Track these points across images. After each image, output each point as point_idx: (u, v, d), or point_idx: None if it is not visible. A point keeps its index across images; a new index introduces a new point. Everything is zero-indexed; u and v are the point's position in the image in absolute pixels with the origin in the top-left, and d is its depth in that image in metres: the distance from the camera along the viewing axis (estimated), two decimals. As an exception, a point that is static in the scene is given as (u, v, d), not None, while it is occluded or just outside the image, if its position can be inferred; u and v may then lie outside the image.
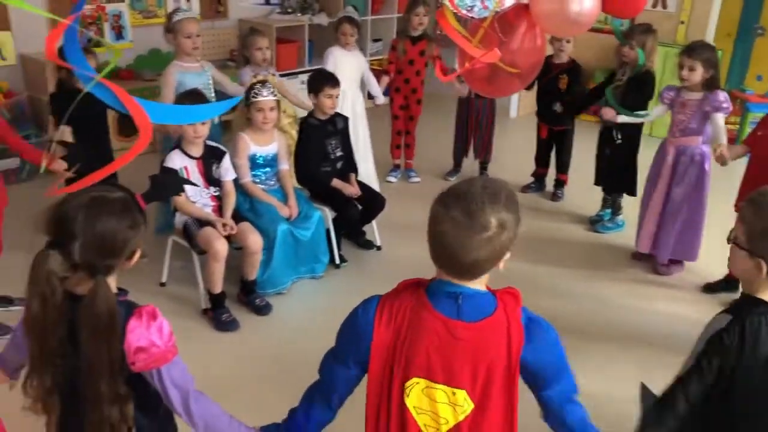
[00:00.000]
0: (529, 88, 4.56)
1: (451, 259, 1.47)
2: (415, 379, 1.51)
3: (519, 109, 7.48)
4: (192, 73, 3.93)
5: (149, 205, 3.96)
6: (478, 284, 1.53)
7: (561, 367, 1.58)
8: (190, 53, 3.92)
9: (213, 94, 4.02)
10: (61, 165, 3.27)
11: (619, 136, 4.36)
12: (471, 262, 1.45)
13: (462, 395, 1.50)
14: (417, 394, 1.51)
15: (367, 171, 5.03)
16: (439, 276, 1.54)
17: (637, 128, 4.39)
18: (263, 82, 3.65)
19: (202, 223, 3.40)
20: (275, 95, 3.65)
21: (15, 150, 3.07)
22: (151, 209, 4.07)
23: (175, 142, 3.51)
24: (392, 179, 5.42)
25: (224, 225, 3.37)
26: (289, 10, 6.69)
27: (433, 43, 5.04)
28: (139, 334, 1.55)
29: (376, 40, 7.42)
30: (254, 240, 3.40)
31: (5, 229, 3.52)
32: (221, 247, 3.29)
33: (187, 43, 3.88)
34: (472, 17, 2.12)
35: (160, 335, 1.59)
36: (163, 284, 3.73)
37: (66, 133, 3.43)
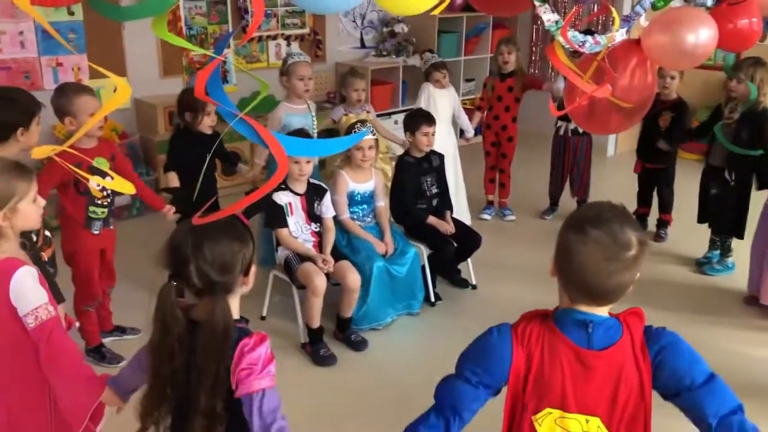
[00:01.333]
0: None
1: (592, 286, 1.46)
2: (548, 410, 1.48)
3: (617, 147, 7.30)
4: (298, 114, 4.08)
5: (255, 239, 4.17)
6: (606, 310, 1.52)
7: (696, 360, 1.47)
8: (301, 95, 4.07)
9: (314, 134, 4.14)
10: (171, 210, 3.48)
11: (733, 177, 4.18)
12: (614, 285, 1.46)
13: (595, 423, 1.48)
14: (549, 425, 1.50)
15: (459, 208, 5.03)
16: (566, 304, 1.53)
17: (750, 168, 4.18)
18: (363, 121, 3.74)
19: (303, 258, 3.47)
20: (374, 134, 3.73)
21: (139, 194, 3.28)
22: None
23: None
24: (486, 217, 5.38)
25: (324, 261, 3.43)
26: (384, 53, 6.85)
27: (521, 79, 5.04)
28: (245, 358, 1.59)
29: (468, 80, 7.47)
30: (353, 278, 3.44)
31: (119, 262, 3.73)
32: (320, 283, 3.34)
33: (300, 85, 4.03)
34: (582, 52, 2.10)
35: (262, 363, 1.62)
36: (263, 318, 3.82)
37: (173, 179, 3.62)
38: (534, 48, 7.83)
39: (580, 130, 5.11)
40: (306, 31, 6.44)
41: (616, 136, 7.23)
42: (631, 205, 5.18)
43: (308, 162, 3.47)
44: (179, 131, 3.75)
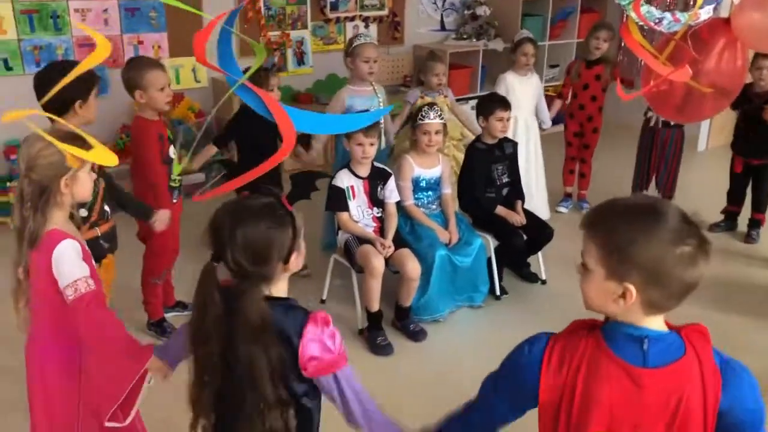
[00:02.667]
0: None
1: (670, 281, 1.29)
2: None
3: (709, 141, 6.84)
4: (362, 96, 3.97)
5: (320, 222, 4.10)
6: (660, 321, 1.35)
7: (762, 419, 1.33)
8: (365, 77, 3.96)
9: (382, 118, 4.03)
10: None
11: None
12: (692, 278, 1.31)
13: None
14: None
15: (537, 199, 4.83)
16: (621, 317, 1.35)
17: None
18: (431, 105, 3.60)
19: (363, 240, 3.38)
20: (442, 118, 3.58)
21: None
22: (318, 227, 4.15)
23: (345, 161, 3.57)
24: (563, 209, 5.14)
25: (383, 245, 3.33)
26: (464, 36, 6.65)
27: (610, 67, 4.75)
28: (314, 339, 1.52)
29: (553, 66, 7.17)
30: (413, 267, 3.33)
31: (184, 236, 3.76)
32: (378, 264, 3.24)
33: (365, 67, 3.92)
34: (660, 31, 1.90)
35: (333, 341, 1.55)
36: (323, 301, 3.76)
37: (209, 150, 3.67)
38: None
39: (672, 122, 4.77)
40: (385, 12, 6.33)
41: (708, 129, 6.77)
42: (721, 203, 4.82)
43: (372, 144, 3.37)
44: (241, 111, 3.72)
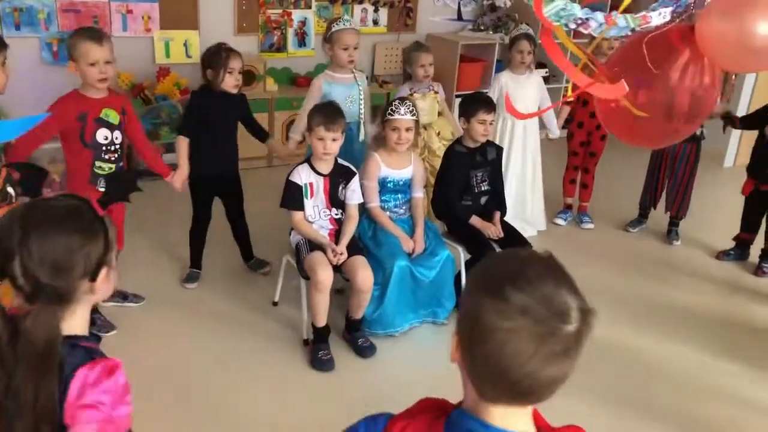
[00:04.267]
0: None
1: (515, 380, 0.98)
2: None
3: (737, 157, 6.35)
4: (341, 84, 3.67)
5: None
6: (528, 414, 1.04)
7: None
8: (344, 65, 3.66)
9: (361, 109, 3.73)
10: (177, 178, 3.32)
11: None
12: (548, 378, 0.98)
13: None
14: None
15: (533, 209, 4.49)
16: (470, 403, 1.06)
17: None
18: (402, 99, 3.28)
19: (314, 246, 3.10)
20: (414, 114, 3.26)
21: (142, 157, 3.06)
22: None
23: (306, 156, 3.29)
24: (561, 221, 4.78)
25: (334, 252, 3.04)
26: (482, 28, 6.27)
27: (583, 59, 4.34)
28: (83, 387, 1.24)
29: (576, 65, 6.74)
30: (364, 277, 3.03)
31: (133, 222, 3.54)
32: (324, 277, 2.96)
33: (343, 55, 3.62)
34: (588, 33, 1.56)
35: (108, 399, 1.25)
36: (275, 304, 3.50)
37: (183, 146, 3.40)
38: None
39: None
40: (397, -3, 5.98)
41: (738, 144, 6.29)
42: (733, 230, 4.41)
43: (334, 140, 3.07)
44: (200, 89, 3.45)
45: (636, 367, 3.24)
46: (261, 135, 3.72)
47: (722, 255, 4.41)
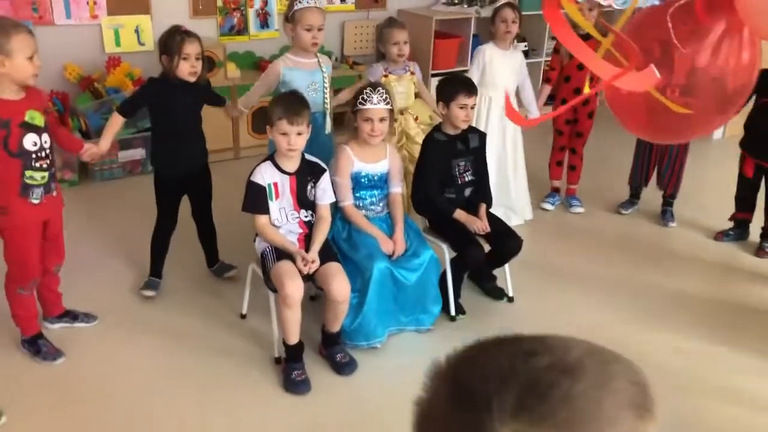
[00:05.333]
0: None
1: None
2: None
3: (726, 129, 6.10)
4: (302, 70, 3.32)
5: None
6: None
7: None
8: (308, 48, 3.31)
9: (326, 97, 3.39)
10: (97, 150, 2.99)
11: None
12: None
13: None
14: None
15: (518, 195, 4.19)
16: None
17: None
18: (375, 86, 2.95)
19: (282, 254, 2.77)
20: (388, 103, 2.93)
21: (54, 136, 2.73)
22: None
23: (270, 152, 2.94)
24: (548, 206, 4.49)
25: (305, 260, 2.72)
26: (456, 1, 5.92)
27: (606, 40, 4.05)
28: None
29: (555, 38, 6.42)
30: (339, 288, 2.71)
31: (76, 234, 3.18)
32: (293, 290, 2.63)
33: (307, 36, 3.26)
34: (608, 4, 1.24)
35: None
36: (243, 316, 3.18)
37: (116, 122, 3.07)
38: (638, 4, 6.64)
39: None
40: (364, -29, 5.60)
41: (727, 115, 6.04)
42: (730, 207, 4.16)
43: (299, 134, 2.74)
44: (156, 77, 3.10)
45: (633, 359, 2.97)
46: (219, 102, 3.41)
47: (721, 236, 4.16)
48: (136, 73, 4.65)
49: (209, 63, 4.81)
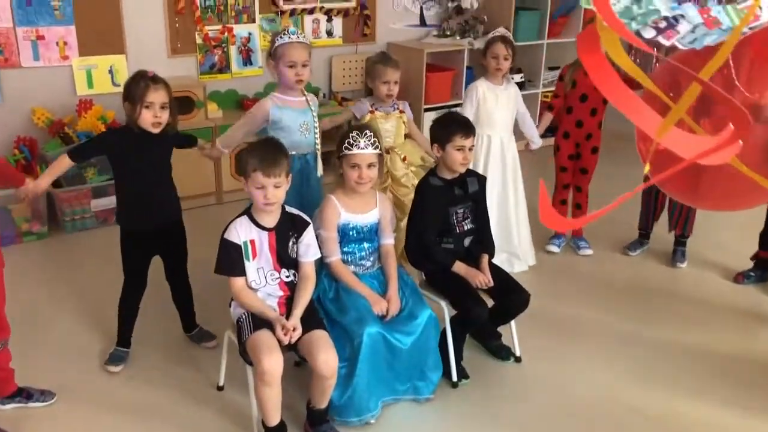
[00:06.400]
0: None
1: None
2: None
3: (734, 158, 5.83)
4: (293, 109, 3.05)
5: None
6: None
7: None
8: (292, 86, 3.04)
9: (316, 137, 3.10)
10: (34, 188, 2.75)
11: None
12: None
13: None
14: None
15: (520, 238, 3.89)
16: None
17: None
18: (362, 129, 2.65)
19: (259, 321, 2.44)
20: (376, 147, 2.64)
21: None
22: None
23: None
24: (554, 248, 4.18)
25: (285, 329, 2.39)
26: (447, 33, 5.68)
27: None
28: None
29: (553, 68, 6.19)
30: (326, 360, 2.37)
31: (24, 299, 2.84)
32: (271, 366, 2.30)
33: (290, 73, 2.99)
34: (669, 45, 0.94)
35: None
36: (220, 388, 2.83)
37: (61, 163, 2.79)
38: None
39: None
40: (352, 4, 5.37)
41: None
42: (754, 244, 3.86)
43: (277, 186, 2.43)
44: (117, 127, 2.82)
45: (647, 428, 2.65)
46: (190, 143, 3.13)
47: (741, 277, 3.85)
48: (109, 116, 4.35)
49: (187, 104, 4.55)
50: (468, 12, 5.66)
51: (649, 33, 0.94)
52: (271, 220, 2.53)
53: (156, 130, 2.72)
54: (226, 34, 4.87)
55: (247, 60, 5.01)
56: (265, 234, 2.52)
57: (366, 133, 2.62)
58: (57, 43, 4.30)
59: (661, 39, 0.96)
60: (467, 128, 2.86)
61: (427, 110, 5.36)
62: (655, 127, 0.97)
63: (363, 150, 2.60)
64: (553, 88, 5.71)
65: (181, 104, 4.56)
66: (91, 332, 3.22)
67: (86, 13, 4.33)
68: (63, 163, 2.77)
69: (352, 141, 2.61)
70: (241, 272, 2.50)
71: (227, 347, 2.77)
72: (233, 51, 4.94)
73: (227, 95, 4.99)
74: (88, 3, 4.33)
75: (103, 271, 3.70)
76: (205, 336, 3.16)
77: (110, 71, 4.51)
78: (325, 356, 2.37)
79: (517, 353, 3.07)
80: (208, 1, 4.75)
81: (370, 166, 2.62)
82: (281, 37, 3.02)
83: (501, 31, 3.71)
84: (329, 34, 5.35)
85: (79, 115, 4.31)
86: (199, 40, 4.80)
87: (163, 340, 3.17)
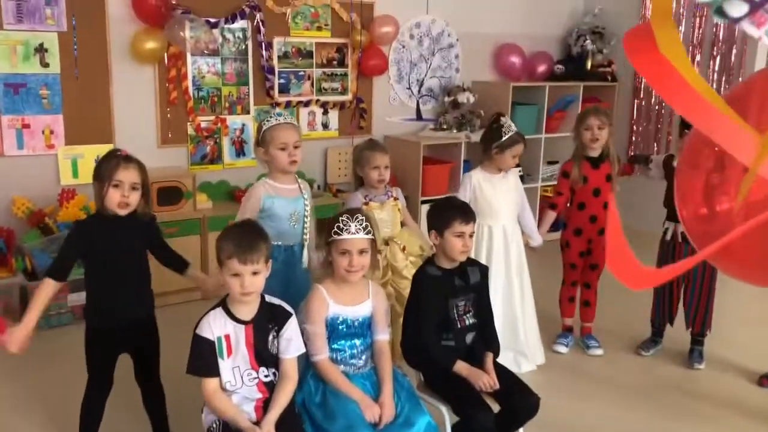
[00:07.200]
0: None
1: None
2: None
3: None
4: (284, 198, 2.87)
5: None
6: None
7: None
8: (286, 169, 2.87)
9: (305, 228, 2.90)
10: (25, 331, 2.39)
11: None
12: None
13: None
14: None
15: (527, 336, 3.63)
16: None
17: None
18: (353, 213, 2.45)
19: (233, 431, 2.14)
20: (368, 231, 2.42)
21: None
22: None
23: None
24: (562, 348, 3.89)
25: (261, 438, 2.09)
26: (444, 127, 5.62)
27: (619, 164, 3.68)
28: None
29: (551, 162, 6.10)
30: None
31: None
32: (247, 481, 1.99)
33: (282, 156, 2.83)
34: (757, 37, 0.74)
35: None
36: (190, 506, 2.49)
37: (45, 288, 2.47)
38: (635, 127, 6.38)
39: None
40: (348, 97, 5.32)
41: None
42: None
43: (255, 274, 2.20)
44: (83, 218, 2.60)
45: None
46: (177, 265, 2.81)
47: (766, 381, 3.54)
48: (92, 206, 4.16)
49: (175, 194, 4.38)
50: (464, 106, 5.62)
51: (739, 8, 0.73)
52: (248, 311, 2.28)
53: (123, 212, 2.50)
54: (219, 124, 4.77)
55: (240, 151, 4.90)
56: (242, 328, 2.26)
57: (357, 217, 2.41)
58: (43, 132, 4.19)
59: (748, 25, 0.75)
60: (467, 213, 2.65)
61: (424, 202, 5.21)
62: (749, 146, 0.75)
63: (354, 235, 2.38)
64: (552, 183, 5.62)
65: (169, 195, 4.41)
66: (50, 440, 2.89)
67: (75, 102, 4.24)
68: (48, 288, 2.47)
69: (342, 225, 2.40)
70: (214, 372, 2.22)
71: (199, 458, 2.44)
72: (226, 142, 4.83)
73: (218, 186, 4.84)
74: (78, 92, 4.25)
75: (78, 372, 3.39)
76: (175, 445, 2.83)
77: (96, 160, 4.36)
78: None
79: (527, 466, 2.73)
80: (201, 92, 4.68)
81: (361, 252, 2.40)
82: (268, 120, 2.88)
83: (513, 126, 3.54)
84: (325, 126, 5.27)
85: (60, 205, 4.13)
86: (190, 131, 4.70)
87: (129, 449, 2.83)
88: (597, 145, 3.65)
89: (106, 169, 2.48)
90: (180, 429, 2.87)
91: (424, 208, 5.19)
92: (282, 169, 2.87)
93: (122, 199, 2.46)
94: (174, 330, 2.85)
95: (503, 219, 3.55)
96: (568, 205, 3.82)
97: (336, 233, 2.40)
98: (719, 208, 1.09)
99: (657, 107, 6.19)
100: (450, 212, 2.66)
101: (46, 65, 4.12)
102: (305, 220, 2.92)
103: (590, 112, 3.68)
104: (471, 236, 2.66)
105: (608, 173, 3.67)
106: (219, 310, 2.28)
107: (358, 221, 2.40)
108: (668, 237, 3.67)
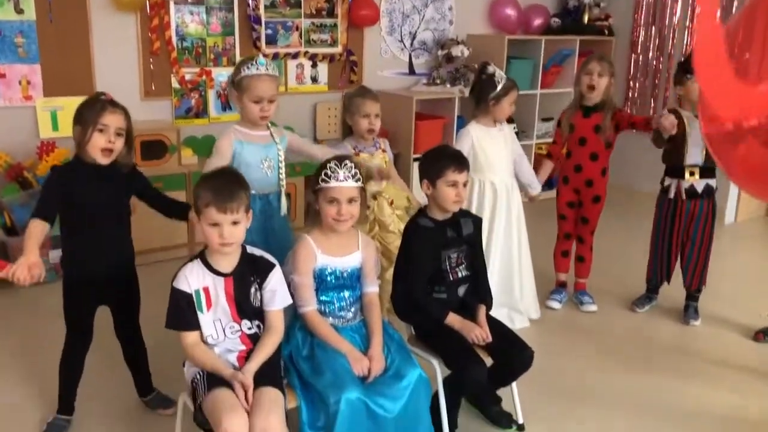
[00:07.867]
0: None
1: None
2: None
3: (738, 212, 5.56)
4: (254, 144, 2.73)
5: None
6: None
7: None
8: (256, 122, 2.73)
9: (281, 175, 2.78)
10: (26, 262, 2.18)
11: None
12: None
13: None
14: None
15: (523, 292, 3.56)
16: None
17: None
18: (341, 160, 2.33)
19: (215, 380, 2.06)
20: (358, 179, 2.32)
21: None
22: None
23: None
24: (555, 304, 3.83)
25: (244, 385, 2.01)
26: (437, 81, 5.47)
27: (611, 113, 3.54)
28: None
29: (546, 119, 5.98)
30: (265, 428, 1.96)
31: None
32: (235, 428, 1.91)
33: (254, 109, 2.68)
34: None
35: None
36: (175, 460, 2.42)
37: (34, 230, 2.30)
38: (632, 82, 6.25)
39: (699, 190, 3.52)
40: (338, 50, 5.16)
41: (738, 197, 5.51)
42: (764, 296, 3.53)
43: (235, 223, 2.09)
44: (62, 164, 2.47)
45: None
46: (177, 211, 2.67)
47: (762, 336, 3.50)
48: (73, 159, 4.03)
49: (159, 148, 4.25)
50: (458, 60, 5.47)
51: None
52: (228, 263, 2.18)
53: (105, 160, 2.38)
54: (204, 77, 4.62)
55: (226, 104, 4.74)
56: (221, 280, 2.16)
57: (346, 164, 2.30)
58: (20, 82, 4.02)
59: None
60: (460, 161, 2.55)
61: (416, 159, 5.09)
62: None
63: (342, 183, 2.27)
64: (547, 140, 5.51)
65: (153, 149, 4.27)
66: (32, 399, 2.81)
67: (53, 51, 4.07)
68: (36, 227, 2.31)
69: (329, 173, 2.28)
70: (194, 326, 2.13)
71: (182, 414, 2.36)
72: (211, 95, 4.68)
73: (204, 141, 4.70)
74: (55, 41, 4.08)
75: (53, 329, 3.30)
76: (163, 401, 2.76)
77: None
78: (264, 422, 1.96)
79: (520, 420, 2.68)
80: (185, 42, 4.51)
81: (350, 201, 2.29)
82: (248, 68, 2.70)
83: (500, 74, 3.41)
84: (314, 80, 5.12)
85: (40, 159, 3.99)
86: (174, 83, 4.54)
87: (112, 406, 2.76)
88: (594, 94, 3.54)
89: (90, 112, 2.35)
90: (163, 384, 2.80)
91: (416, 165, 5.08)
92: (252, 121, 2.73)
93: (108, 144, 2.34)
94: (159, 287, 2.74)
95: (503, 173, 3.45)
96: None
97: (323, 180, 2.29)
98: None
99: (654, 62, 6.06)
100: (443, 161, 2.55)
101: (20, 11, 3.93)
102: (279, 167, 2.80)
103: (594, 57, 3.58)
104: (464, 185, 2.55)
105: (597, 124, 3.56)
106: (197, 262, 2.17)
107: (346, 168, 2.29)
108: (671, 195, 3.57)
